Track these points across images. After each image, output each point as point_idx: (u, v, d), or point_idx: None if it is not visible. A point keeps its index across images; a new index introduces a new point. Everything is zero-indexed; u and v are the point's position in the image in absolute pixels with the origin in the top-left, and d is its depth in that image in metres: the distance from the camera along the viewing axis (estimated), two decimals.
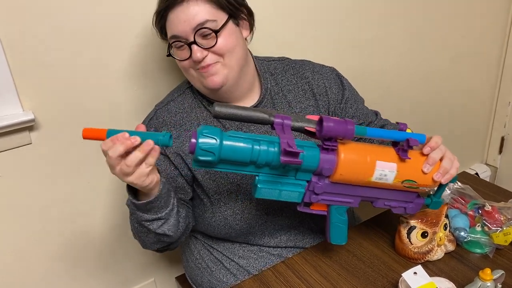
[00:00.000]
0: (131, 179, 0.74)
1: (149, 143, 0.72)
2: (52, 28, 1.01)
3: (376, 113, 1.16)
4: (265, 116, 0.77)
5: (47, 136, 1.08)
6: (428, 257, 0.92)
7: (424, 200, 0.90)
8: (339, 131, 0.77)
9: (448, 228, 0.95)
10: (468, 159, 2.31)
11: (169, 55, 0.95)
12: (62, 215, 1.18)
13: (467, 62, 1.98)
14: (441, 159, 0.84)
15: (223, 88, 0.94)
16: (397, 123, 0.87)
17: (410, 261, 0.94)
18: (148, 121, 1.01)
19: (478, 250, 0.96)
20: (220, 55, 0.91)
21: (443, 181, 0.84)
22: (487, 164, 2.35)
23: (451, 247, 0.95)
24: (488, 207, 0.97)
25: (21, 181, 1.09)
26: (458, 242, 0.97)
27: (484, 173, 2.29)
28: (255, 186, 0.79)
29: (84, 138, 0.73)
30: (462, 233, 0.96)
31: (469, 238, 0.96)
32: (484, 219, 0.96)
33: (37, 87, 1.03)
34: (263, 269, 1.01)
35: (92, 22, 1.05)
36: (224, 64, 0.92)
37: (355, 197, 0.85)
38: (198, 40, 0.89)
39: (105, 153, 0.73)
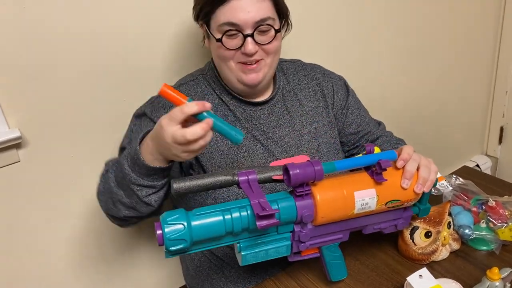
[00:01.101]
0: (191, 156, 0.74)
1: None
2: (37, 42, 0.98)
3: (379, 123, 1.17)
4: (228, 178, 0.74)
5: (36, 153, 1.05)
6: (433, 257, 0.90)
7: (411, 211, 0.86)
8: (308, 176, 0.73)
9: (452, 226, 0.92)
10: (468, 151, 2.29)
11: (219, 40, 0.90)
12: (55, 234, 1.15)
13: (463, 54, 1.96)
14: (417, 169, 0.81)
15: (254, 88, 0.96)
16: (364, 144, 0.84)
17: (415, 262, 0.91)
18: (157, 97, 0.99)
19: (484, 248, 0.93)
20: (268, 53, 0.93)
21: (426, 190, 0.81)
22: (487, 155, 2.33)
23: (456, 246, 0.93)
24: (492, 203, 0.95)
25: (11, 200, 1.06)
26: (463, 240, 0.94)
27: (485, 164, 2.27)
28: (239, 255, 0.75)
29: (161, 94, 0.70)
30: (467, 231, 0.93)
31: (474, 236, 0.93)
32: (489, 215, 0.94)
33: (22, 104, 1.01)
34: (264, 278, 0.98)
35: (78, 35, 1.03)
36: (267, 63, 0.94)
37: (343, 231, 0.82)
38: (256, 34, 0.89)
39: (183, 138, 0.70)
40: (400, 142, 1.10)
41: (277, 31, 0.91)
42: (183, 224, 0.68)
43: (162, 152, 0.76)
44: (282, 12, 0.95)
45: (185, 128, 0.70)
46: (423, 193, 0.83)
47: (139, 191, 0.82)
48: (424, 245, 0.90)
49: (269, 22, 0.90)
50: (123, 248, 1.27)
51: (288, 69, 1.09)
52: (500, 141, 2.26)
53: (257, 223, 0.68)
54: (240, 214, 0.71)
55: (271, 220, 0.69)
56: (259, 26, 0.89)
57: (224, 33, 0.90)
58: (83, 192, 1.15)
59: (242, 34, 0.89)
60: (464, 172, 1.24)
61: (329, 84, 1.09)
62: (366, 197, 0.77)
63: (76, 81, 1.06)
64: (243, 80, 0.94)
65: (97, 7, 1.03)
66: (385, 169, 0.77)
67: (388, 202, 0.79)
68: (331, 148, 1.05)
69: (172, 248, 0.68)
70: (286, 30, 1.01)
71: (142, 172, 0.80)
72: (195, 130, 0.69)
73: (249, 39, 0.89)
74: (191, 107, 0.69)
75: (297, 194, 0.75)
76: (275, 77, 1.05)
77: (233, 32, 0.89)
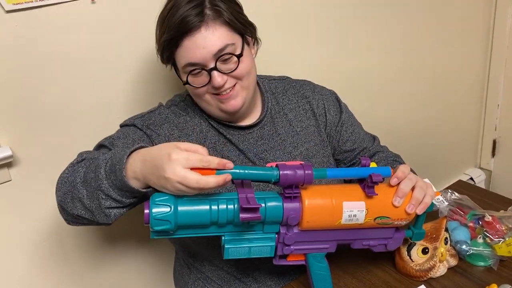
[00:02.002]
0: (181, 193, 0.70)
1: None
2: (25, 59, 0.98)
3: (374, 138, 1.15)
4: None
5: (27, 172, 1.04)
6: (430, 274, 0.89)
7: (404, 233, 0.85)
8: (298, 178, 0.73)
9: (449, 242, 0.92)
10: (461, 164, 2.29)
11: (186, 83, 0.90)
12: (45, 253, 1.13)
13: (454, 67, 1.98)
14: (413, 189, 0.80)
15: (238, 112, 0.94)
16: (360, 158, 0.83)
17: (412, 279, 0.90)
18: (148, 113, 0.98)
19: (482, 263, 0.92)
20: (239, 78, 0.91)
21: (418, 212, 0.80)
22: (481, 168, 2.33)
23: (453, 262, 0.92)
24: (488, 218, 0.94)
25: (2, 219, 1.04)
26: (461, 256, 0.94)
27: (479, 177, 2.27)
28: (223, 248, 0.76)
29: None
30: (464, 246, 0.93)
31: (471, 251, 0.92)
32: (485, 230, 0.93)
33: (13, 122, 1.00)
34: None
35: (68, 55, 1.02)
36: (242, 86, 0.92)
37: (330, 242, 0.81)
38: (219, 65, 0.87)
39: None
40: (397, 159, 1.09)
41: (239, 56, 0.89)
42: (170, 207, 0.69)
43: (147, 177, 0.71)
44: (241, 32, 0.91)
45: (200, 175, 0.67)
46: (418, 216, 0.83)
47: (104, 200, 0.77)
48: (422, 262, 0.89)
49: (228, 50, 0.87)
50: (113, 267, 1.25)
51: (277, 88, 1.07)
52: (493, 154, 2.27)
53: (240, 215, 0.69)
54: (227, 206, 0.72)
55: (254, 214, 0.69)
56: (220, 57, 0.87)
57: (189, 73, 0.89)
58: None
59: (205, 70, 0.88)
60: (459, 186, 1.24)
61: (319, 102, 1.07)
62: (354, 209, 0.77)
63: (67, 100, 1.05)
64: (224, 109, 0.92)
65: (88, 26, 1.03)
66: (376, 183, 0.76)
67: (378, 217, 0.78)
68: (325, 167, 1.04)
69: (157, 228, 0.69)
70: (255, 44, 0.98)
71: (116, 184, 0.75)
72: (209, 181, 0.67)
73: (214, 72, 0.87)
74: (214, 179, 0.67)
75: (286, 195, 0.75)
76: (264, 98, 1.03)
77: (197, 70, 0.88)
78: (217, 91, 0.90)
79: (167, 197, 0.70)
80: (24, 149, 1.02)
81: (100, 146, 0.93)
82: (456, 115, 2.11)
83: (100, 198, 0.77)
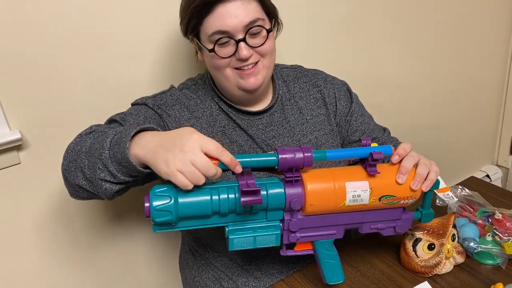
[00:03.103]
0: (178, 179, 0.69)
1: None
2: (39, 43, 0.98)
3: (384, 130, 1.14)
4: None
5: (36, 155, 1.05)
6: (436, 270, 0.87)
7: (413, 214, 0.84)
8: (297, 161, 0.72)
9: (456, 239, 0.90)
10: (478, 161, 2.25)
11: (212, 50, 0.89)
12: (55, 236, 1.14)
13: (474, 62, 1.94)
14: (416, 166, 0.79)
15: (255, 92, 0.94)
16: (360, 139, 0.82)
17: (417, 275, 0.88)
18: (160, 94, 0.98)
19: (490, 262, 0.90)
20: (263, 55, 0.91)
21: (424, 189, 0.78)
22: (498, 166, 2.28)
23: (460, 259, 0.90)
24: (498, 215, 0.92)
25: (12, 202, 1.06)
26: (468, 254, 0.92)
27: (496, 175, 2.23)
28: (227, 239, 0.75)
29: None
30: (472, 244, 0.91)
31: (479, 249, 0.90)
32: (495, 228, 0.91)
33: (23, 106, 1.00)
34: None
35: (81, 37, 1.02)
36: (264, 65, 0.92)
37: (336, 226, 0.80)
38: (247, 38, 0.87)
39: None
40: None
41: (269, 31, 0.90)
42: (170, 197, 0.69)
43: (153, 151, 0.70)
44: (270, 12, 0.93)
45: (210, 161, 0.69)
46: (425, 195, 0.81)
47: (100, 171, 0.76)
48: (427, 258, 0.87)
49: (259, 23, 0.88)
50: (121, 253, 1.26)
51: (289, 76, 1.07)
52: (511, 152, 2.22)
53: (241, 199, 0.69)
54: (228, 195, 0.72)
55: (255, 197, 0.69)
56: (250, 28, 0.87)
57: (215, 42, 0.88)
58: None
59: (234, 40, 0.87)
60: (471, 182, 1.21)
61: (331, 91, 1.06)
62: (358, 189, 0.76)
63: (78, 83, 1.06)
64: (243, 86, 0.92)
65: (101, 9, 1.03)
66: (377, 160, 0.75)
67: (383, 197, 0.77)
68: None
69: (158, 219, 0.69)
70: (277, 30, 0.99)
71: (116, 156, 0.74)
72: (218, 170, 0.69)
73: (242, 44, 0.87)
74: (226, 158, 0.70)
75: (287, 179, 0.74)
76: (275, 85, 1.03)
77: (225, 39, 0.87)
78: (241, 65, 0.90)
79: (167, 188, 0.70)
80: (33, 132, 1.03)
81: (111, 121, 0.94)
82: (475, 111, 2.07)
83: (97, 168, 0.76)
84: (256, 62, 0.91)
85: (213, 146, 0.69)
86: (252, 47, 0.89)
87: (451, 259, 0.88)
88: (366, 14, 1.49)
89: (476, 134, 2.15)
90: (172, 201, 0.69)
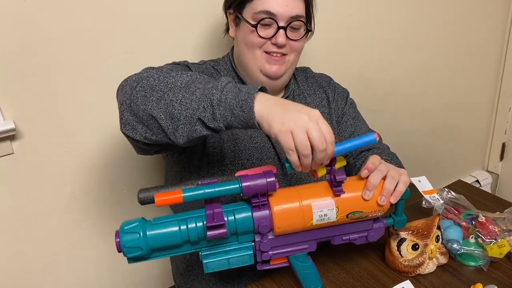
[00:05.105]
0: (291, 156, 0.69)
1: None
2: (33, 34, 0.99)
3: None
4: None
5: (30, 145, 1.06)
6: (419, 270, 0.89)
7: (384, 222, 0.84)
8: (260, 187, 0.72)
9: (440, 240, 0.92)
10: (469, 166, 2.27)
11: (254, 26, 0.92)
12: (47, 227, 1.15)
13: (467, 68, 1.95)
14: (384, 179, 0.79)
15: (279, 79, 0.98)
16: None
17: (400, 274, 0.90)
18: (197, 64, 1.01)
19: (472, 263, 0.92)
20: (293, 51, 0.97)
21: (392, 201, 0.79)
22: (488, 171, 2.31)
23: (443, 260, 0.92)
24: (481, 218, 0.94)
25: (3, 192, 1.06)
26: (451, 255, 0.93)
27: (485, 180, 2.25)
28: (202, 263, 0.76)
29: (158, 205, 0.69)
30: (455, 245, 0.92)
31: (462, 251, 0.92)
32: (478, 231, 0.93)
33: (18, 96, 1.01)
34: (253, 281, 0.97)
35: (76, 28, 1.03)
36: (289, 60, 0.98)
37: (308, 242, 0.81)
38: (288, 28, 0.93)
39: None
40: (393, 158, 1.09)
41: (308, 31, 0.97)
42: (138, 233, 0.71)
43: (269, 112, 0.67)
44: (310, 16, 1.00)
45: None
46: (396, 204, 0.82)
47: (203, 110, 0.70)
48: (411, 258, 0.89)
49: (302, 19, 0.94)
50: (111, 245, 1.27)
51: (299, 75, 1.13)
52: (502, 158, 2.25)
53: (207, 233, 0.70)
54: (196, 224, 0.73)
55: (220, 230, 0.70)
56: (293, 21, 0.93)
57: (259, 21, 0.92)
58: (74, 187, 1.15)
59: (277, 24, 0.92)
60: (458, 186, 1.23)
61: (332, 92, 1.12)
62: (324, 209, 0.76)
63: (73, 76, 1.06)
64: (266, 70, 0.96)
65: (94, 3, 1.04)
66: (340, 183, 0.75)
67: (350, 213, 0.78)
68: None
69: (130, 255, 0.72)
70: (309, 35, 1.02)
71: (230, 103, 0.69)
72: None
73: (281, 31, 0.92)
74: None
75: (253, 204, 0.75)
76: (288, 82, 1.07)
77: (268, 21, 0.92)
78: (273, 50, 0.94)
79: (134, 224, 0.72)
80: (27, 123, 1.04)
81: (175, 64, 0.95)
82: (467, 116, 2.08)
83: (200, 106, 0.70)
84: (285, 55, 0.96)
85: (328, 132, 0.67)
86: (289, 38, 0.94)
87: (434, 259, 0.90)
88: (361, 19, 1.51)
89: (468, 140, 2.17)
90: (141, 236, 0.71)
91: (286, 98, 1.04)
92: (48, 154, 1.08)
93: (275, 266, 0.82)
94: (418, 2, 1.63)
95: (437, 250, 0.90)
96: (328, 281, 0.90)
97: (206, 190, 0.70)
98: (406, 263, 0.89)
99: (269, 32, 0.93)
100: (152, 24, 1.12)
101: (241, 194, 0.72)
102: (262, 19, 0.92)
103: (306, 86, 1.11)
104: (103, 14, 1.06)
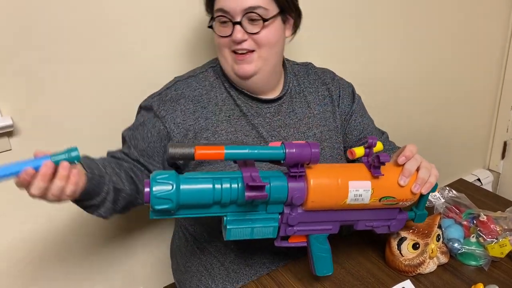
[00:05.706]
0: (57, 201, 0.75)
1: (64, 166, 0.72)
2: (31, 30, 0.98)
3: (383, 133, 1.16)
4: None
5: (27, 142, 1.05)
6: (419, 269, 0.88)
7: (407, 214, 0.85)
8: (304, 156, 0.71)
9: (441, 239, 0.91)
10: (470, 164, 2.26)
11: (210, 27, 0.93)
12: (46, 224, 1.14)
13: (468, 66, 1.94)
14: (417, 169, 0.80)
15: (251, 79, 0.95)
16: (367, 137, 0.81)
17: (401, 273, 0.89)
18: (165, 90, 0.99)
19: (473, 263, 0.91)
20: (259, 45, 0.92)
21: (423, 192, 0.79)
22: (489, 170, 2.30)
23: (444, 259, 0.91)
24: (483, 217, 0.93)
25: (1, 189, 1.06)
26: (452, 254, 0.93)
27: (487, 179, 2.24)
28: (225, 228, 0.74)
29: (197, 158, 0.66)
30: (456, 245, 0.92)
31: (463, 250, 0.91)
32: (479, 230, 0.92)
33: (16, 92, 1.00)
34: (247, 281, 0.97)
35: (74, 26, 1.02)
36: (260, 56, 0.93)
37: (333, 222, 0.80)
38: (244, 22, 0.90)
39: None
40: None
41: (264, 20, 0.90)
42: (171, 185, 0.67)
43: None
44: (281, 5, 0.93)
45: None
46: (421, 196, 0.82)
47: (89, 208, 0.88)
48: (411, 257, 0.88)
49: (258, 11, 0.89)
50: (111, 243, 1.27)
51: (300, 72, 1.10)
52: (503, 156, 2.23)
53: (246, 193, 0.67)
54: (230, 185, 0.70)
55: (260, 192, 0.67)
56: (247, 13, 0.89)
57: (213, 19, 0.92)
58: None
59: (231, 21, 0.90)
60: (459, 184, 1.22)
61: (337, 89, 1.09)
62: (360, 188, 0.76)
63: (71, 72, 1.05)
64: (236, 70, 0.94)
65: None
66: (383, 163, 0.75)
67: (383, 198, 0.78)
68: (334, 153, 1.05)
69: (157, 207, 0.67)
70: (295, 29, 1.00)
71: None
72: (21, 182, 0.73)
73: (237, 26, 0.89)
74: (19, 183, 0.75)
75: (291, 174, 0.73)
76: (286, 78, 1.05)
77: (224, 19, 0.90)
78: (235, 47, 0.92)
79: (168, 175, 0.68)
80: (25, 119, 1.03)
81: (123, 139, 1.00)
82: (468, 114, 2.08)
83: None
84: (252, 51, 0.92)
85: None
86: (248, 32, 0.90)
87: (435, 259, 0.89)
88: (364, 17, 1.50)
89: (469, 138, 2.16)
90: (174, 188, 0.67)
91: (283, 96, 1.02)
92: (45, 149, 1.07)
93: (293, 245, 0.81)
94: (421, 2, 1.62)
95: (438, 249, 0.89)
96: (327, 279, 0.89)
97: (250, 150, 0.68)
98: (406, 262, 0.88)
99: (227, 30, 0.91)
100: (153, 23, 1.11)
101: (282, 161, 0.71)
102: (218, 17, 0.91)
103: (307, 83, 1.08)
104: (104, 12, 1.05)
